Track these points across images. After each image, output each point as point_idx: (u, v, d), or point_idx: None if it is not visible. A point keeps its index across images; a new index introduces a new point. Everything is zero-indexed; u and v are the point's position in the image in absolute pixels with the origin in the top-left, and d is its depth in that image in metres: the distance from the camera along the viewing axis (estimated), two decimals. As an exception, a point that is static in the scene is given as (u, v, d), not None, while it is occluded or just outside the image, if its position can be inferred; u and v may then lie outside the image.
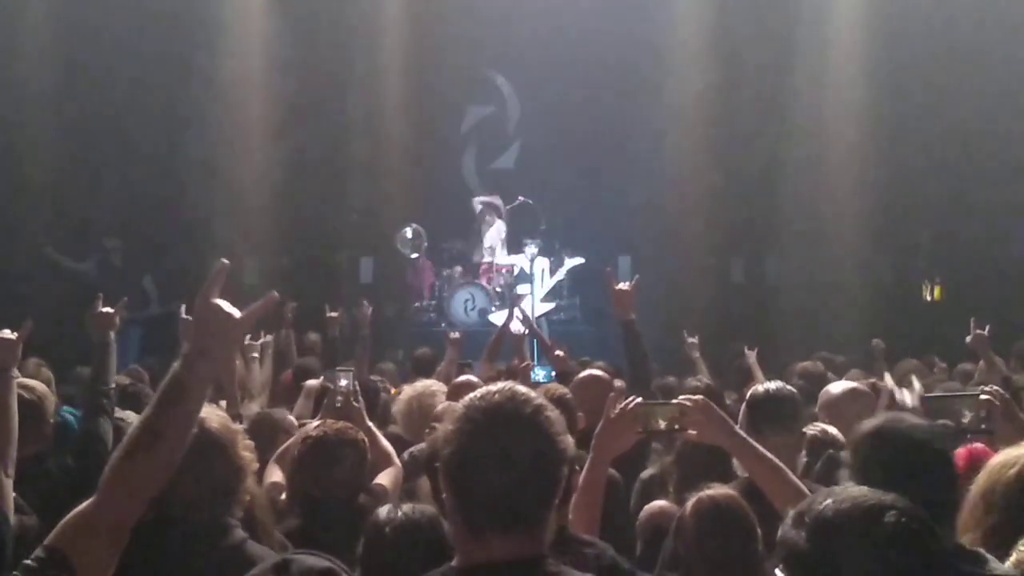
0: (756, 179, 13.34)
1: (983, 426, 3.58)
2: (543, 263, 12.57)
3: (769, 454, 3.00)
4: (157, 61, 12.45)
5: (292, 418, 4.74)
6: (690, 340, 7.88)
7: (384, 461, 3.97)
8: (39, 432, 3.90)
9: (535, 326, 9.22)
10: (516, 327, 8.21)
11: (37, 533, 3.32)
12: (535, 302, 11.93)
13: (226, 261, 2.10)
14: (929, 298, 13.57)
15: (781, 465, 2.97)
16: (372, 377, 6.42)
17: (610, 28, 13.25)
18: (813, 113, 12.93)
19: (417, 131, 13.41)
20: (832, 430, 3.79)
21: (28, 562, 1.88)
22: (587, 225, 13.33)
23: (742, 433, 3.09)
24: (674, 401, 3.12)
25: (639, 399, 3.18)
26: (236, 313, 2.02)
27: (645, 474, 4.25)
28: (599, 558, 2.79)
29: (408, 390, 5.20)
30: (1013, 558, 2.47)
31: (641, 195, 13.62)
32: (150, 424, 1.94)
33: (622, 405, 3.14)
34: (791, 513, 1.76)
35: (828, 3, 12.96)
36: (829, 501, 1.71)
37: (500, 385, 1.95)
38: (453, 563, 1.93)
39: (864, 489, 1.75)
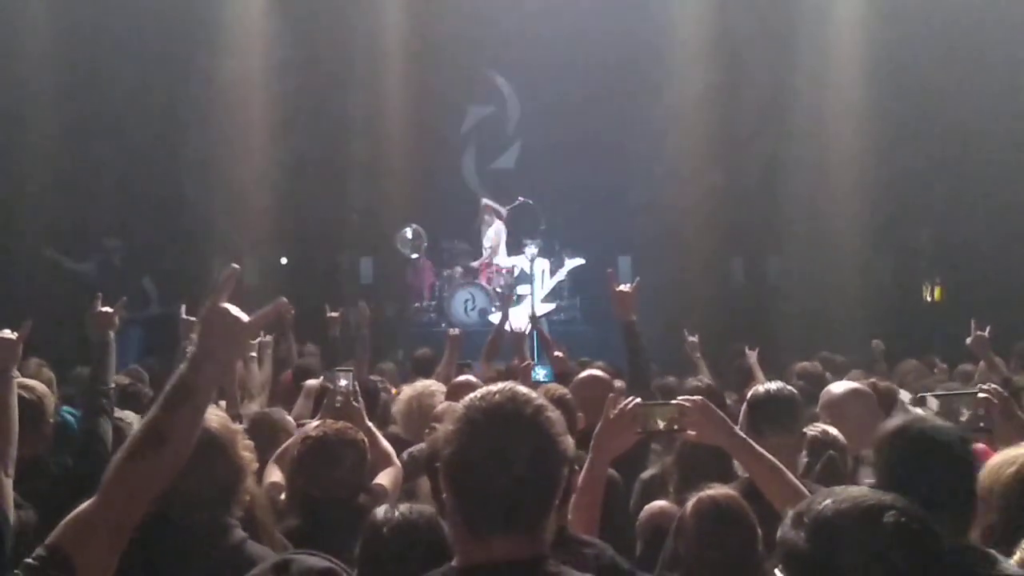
0: (757, 179, 13.35)
1: (981, 424, 3.59)
2: (543, 264, 12.57)
3: (768, 454, 2.99)
4: (157, 61, 12.46)
5: (290, 418, 4.74)
6: (690, 339, 7.87)
7: (384, 461, 3.97)
8: (39, 432, 3.90)
9: (539, 324, 9.22)
10: (519, 325, 8.21)
11: (35, 528, 3.32)
12: (535, 303, 11.93)
13: (236, 266, 2.11)
14: (929, 299, 13.58)
15: (780, 465, 2.97)
16: (372, 377, 6.42)
17: (611, 28, 13.25)
18: (813, 113, 12.93)
19: (417, 131, 13.42)
20: (832, 431, 3.78)
21: (29, 560, 1.88)
22: (587, 225, 13.33)
23: (741, 433, 3.08)
24: (673, 401, 3.12)
25: (638, 399, 3.18)
26: (244, 317, 2.02)
27: (645, 474, 4.25)
28: (598, 558, 2.79)
29: (408, 390, 5.20)
30: (1017, 556, 2.48)
31: (642, 195, 13.63)
32: (155, 425, 1.94)
33: (621, 406, 3.14)
34: (790, 513, 1.76)
35: (828, 4, 12.97)
36: (829, 501, 1.71)
37: (500, 385, 1.95)
38: (453, 563, 1.93)
39: (864, 489, 1.75)
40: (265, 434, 4.18)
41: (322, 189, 13.28)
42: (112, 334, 4.46)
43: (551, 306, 12.74)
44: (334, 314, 7.66)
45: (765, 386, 3.64)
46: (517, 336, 7.60)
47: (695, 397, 3.11)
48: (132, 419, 4.63)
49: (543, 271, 12.60)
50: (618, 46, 13.29)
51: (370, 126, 13.58)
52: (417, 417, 4.82)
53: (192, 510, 2.54)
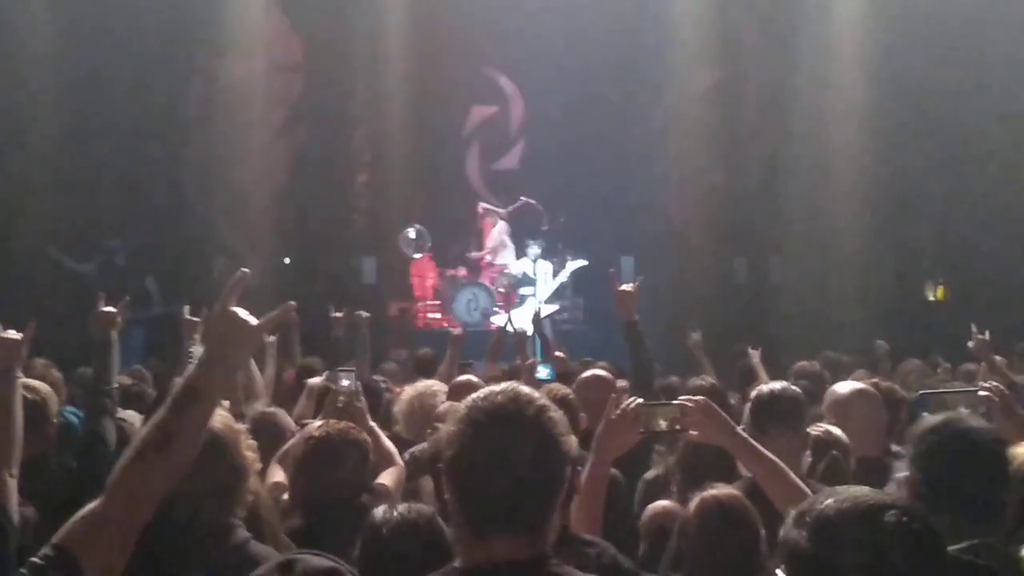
0: (758, 179, 13.35)
1: None
2: (546, 265, 12.58)
3: (770, 455, 2.99)
4: (159, 61, 12.47)
5: (290, 419, 4.73)
6: (693, 335, 7.87)
7: (386, 461, 3.97)
8: (42, 433, 3.91)
9: (541, 328, 9.23)
10: (523, 326, 8.21)
11: (36, 524, 3.33)
12: (538, 303, 11.94)
13: (246, 270, 2.12)
14: (932, 298, 13.57)
15: (783, 465, 2.97)
16: (375, 377, 6.42)
17: (612, 29, 13.26)
18: (814, 113, 12.93)
19: (420, 131, 13.43)
20: (836, 431, 3.78)
21: (35, 560, 1.88)
22: (590, 225, 13.33)
23: (743, 433, 3.08)
24: (675, 401, 3.12)
25: (640, 400, 3.18)
26: (253, 321, 2.04)
27: (649, 475, 4.25)
28: (600, 557, 2.79)
29: (409, 390, 5.19)
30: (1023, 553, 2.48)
31: (644, 195, 13.63)
32: (162, 427, 1.95)
33: (623, 406, 3.14)
34: (792, 513, 1.76)
35: (829, 4, 12.97)
36: (830, 501, 1.71)
37: (503, 386, 1.95)
38: (455, 564, 1.93)
39: (865, 489, 1.75)
40: (267, 434, 4.19)
41: (324, 189, 13.29)
42: (115, 334, 4.47)
43: (554, 307, 12.74)
44: (337, 314, 7.66)
45: (769, 386, 3.63)
46: (519, 336, 7.60)
47: (697, 397, 3.11)
48: (135, 419, 4.64)
49: (546, 272, 12.60)
50: (620, 46, 13.30)
51: (372, 126, 13.59)
52: (419, 417, 4.82)
53: (195, 510, 2.54)
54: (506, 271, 12.98)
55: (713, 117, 13.09)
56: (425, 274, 13.45)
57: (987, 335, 6.30)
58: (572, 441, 1.94)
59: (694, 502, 2.92)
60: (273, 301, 2.24)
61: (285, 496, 3.64)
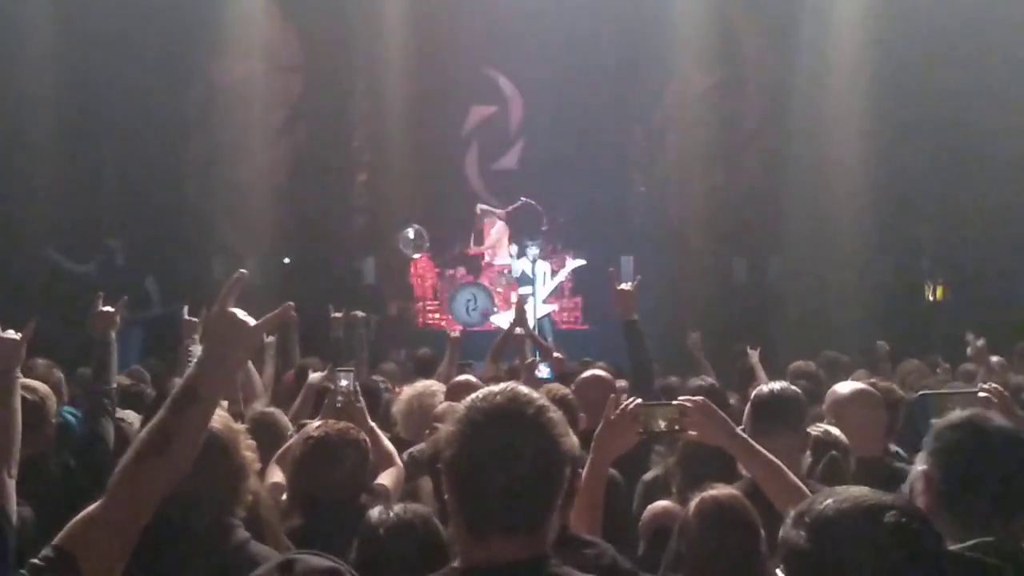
0: (758, 180, 13.35)
1: None
2: (545, 264, 12.58)
3: (769, 455, 2.99)
4: (160, 62, 12.48)
5: (286, 419, 4.72)
6: (693, 335, 7.86)
7: (386, 461, 3.97)
8: (41, 433, 3.91)
9: (532, 331, 9.22)
10: (519, 329, 8.20)
11: (33, 525, 3.32)
12: (537, 303, 11.94)
13: (244, 271, 2.13)
14: (932, 298, 13.57)
15: (782, 466, 2.97)
16: (374, 377, 6.43)
17: (612, 29, 13.26)
18: (814, 113, 12.94)
19: (419, 131, 13.43)
20: (835, 431, 3.77)
21: (35, 561, 1.89)
22: (589, 225, 13.34)
23: (742, 434, 3.08)
24: (674, 402, 3.12)
25: (639, 400, 3.18)
26: (251, 321, 2.04)
27: (648, 476, 4.24)
28: (599, 558, 2.79)
29: (408, 390, 5.18)
30: None
31: (643, 195, 13.64)
32: (162, 428, 1.95)
33: (622, 406, 3.14)
34: (792, 513, 1.76)
35: (829, 4, 12.97)
36: (830, 501, 1.71)
37: (502, 386, 1.95)
38: (455, 564, 1.93)
39: (865, 489, 1.75)
40: (266, 434, 4.18)
41: (324, 189, 13.29)
42: (113, 334, 4.47)
43: (553, 307, 12.74)
44: (337, 315, 7.66)
45: (769, 386, 3.62)
46: (519, 337, 7.60)
47: (696, 397, 3.11)
48: (134, 419, 4.63)
49: (545, 272, 12.61)
50: (619, 47, 13.31)
51: (372, 126, 13.59)
52: (417, 417, 4.82)
53: (194, 510, 2.54)
54: (506, 272, 12.98)
55: (713, 117, 13.10)
56: (424, 274, 13.45)
57: (982, 341, 6.30)
58: (571, 441, 1.94)
59: (694, 502, 2.91)
60: (273, 301, 2.24)
61: (284, 496, 3.64)
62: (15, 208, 11.88)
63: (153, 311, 11.63)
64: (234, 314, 2.04)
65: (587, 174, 13.66)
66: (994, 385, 3.86)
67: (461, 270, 13.23)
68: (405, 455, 4.26)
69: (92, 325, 4.51)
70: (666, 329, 9.60)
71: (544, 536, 1.90)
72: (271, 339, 6.98)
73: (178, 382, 2.06)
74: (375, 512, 2.76)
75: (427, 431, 4.18)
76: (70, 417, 4.54)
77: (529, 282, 12.32)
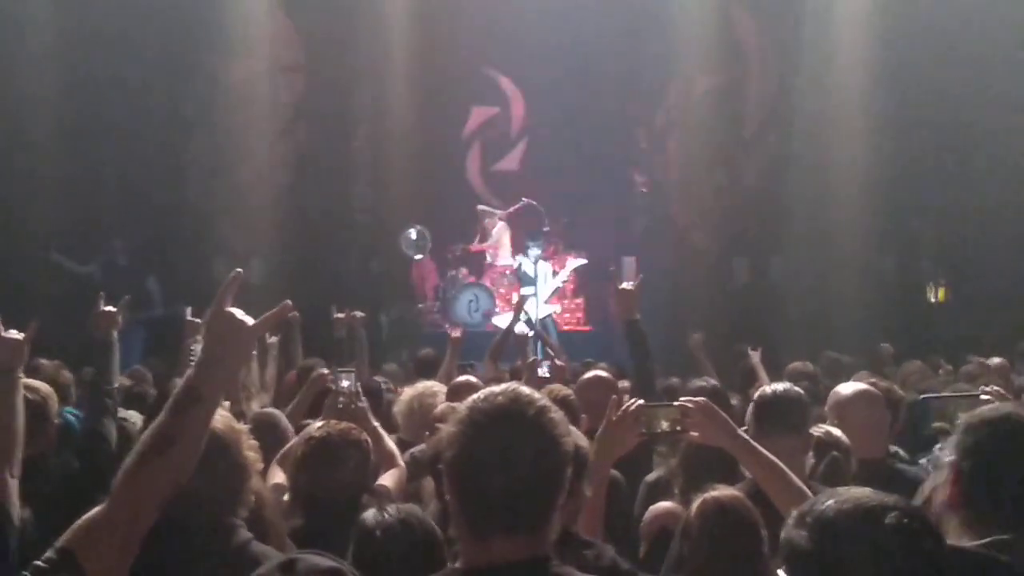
0: (760, 180, 13.35)
1: None
2: (546, 265, 12.58)
3: (771, 456, 2.99)
4: (161, 62, 12.49)
5: (286, 420, 4.72)
6: (695, 336, 7.86)
7: (388, 462, 3.97)
8: (43, 433, 3.90)
9: (540, 329, 9.23)
10: (521, 329, 8.20)
11: (33, 526, 3.32)
12: (539, 304, 11.94)
13: (240, 270, 2.12)
14: (933, 299, 13.56)
15: (783, 467, 2.96)
16: (376, 378, 6.42)
17: (614, 30, 13.26)
18: (816, 114, 12.94)
19: (421, 132, 13.43)
20: (836, 431, 3.77)
21: (39, 563, 1.89)
22: (591, 226, 13.33)
23: (744, 435, 3.08)
24: (676, 403, 3.12)
25: (640, 401, 3.17)
26: (249, 321, 2.04)
27: (650, 477, 4.23)
28: (599, 559, 2.79)
29: (409, 391, 5.18)
30: None
31: (645, 196, 13.63)
32: (164, 430, 1.95)
33: (623, 407, 3.14)
34: (794, 513, 1.76)
35: (831, 5, 12.97)
36: (831, 502, 1.71)
37: (503, 386, 1.96)
38: (456, 564, 1.93)
39: (866, 490, 1.75)
40: (268, 434, 4.18)
41: (325, 190, 13.30)
42: (115, 334, 4.47)
43: (555, 307, 12.74)
44: (340, 315, 7.66)
45: (772, 387, 3.61)
46: (521, 338, 7.60)
47: (698, 398, 3.10)
48: (137, 419, 4.64)
49: (546, 273, 12.61)
50: (621, 47, 13.31)
51: (374, 127, 13.60)
52: (418, 418, 4.82)
53: (196, 510, 2.53)
54: (508, 272, 12.98)
55: (714, 118, 13.10)
56: (426, 275, 13.45)
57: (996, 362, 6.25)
58: (572, 442, 1.94)
59: (695, 504, 2.91)
60: (274, 302, 2.24)
61: (285, 497, 3.64)
62: (16, 208, 11.89)
63: (155, 311, 11.64)
64: (232, 313, 2.03)
65: (588, 175, 13.66)
66: (997, 388, 3.85)
67: (463, 271, 13.23)
68: (407, 455, 4.27)
69: (94, 325, 4.51)
70: (667, 330, 9.60)
71: (545, 536, 1.90)
72: (273, 339, 6.98)
73: (179, 383, 2.06)
74: (370, 515, 2.76)
75: (427, 432, 4.18)
76: (71, 417, 4.54)
77: (531, 282, 12.31)
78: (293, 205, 13.02)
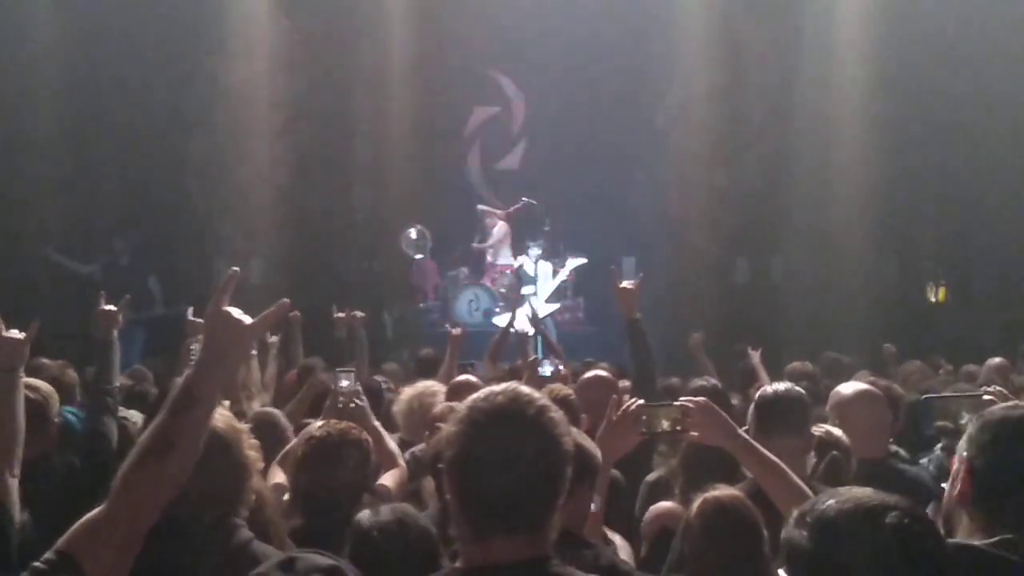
0: (760, 180, 13.35)
1: None
2: (547, 264, 12.58)
3: (771, 456, 2.99)
4: (161, 62, 12.49)
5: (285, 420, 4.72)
6: (695, 335, 7.86)
7: (389, 462, 3.97)
8: (44, 432, 3.90)
9: (542, 327, 9.22)
10: (523, 327, 8.20)
11: (34, 527, 3.32)
12: (539, 303, 11.94)
13: (236, 269, 2.12)
14: (933, 299, 13.56)
15: (784, 467, 2.96)
16: (376, 378, 6.42)
17: (615, 30, 13.26)
18: (817, 114, 12.93)
19: (422, 132, 13.43)
20: (836, 431, 3.77)
21: (38, 564, 1.88)
22: (591, 226, 13.33)
23: (744, 435, 3.08)
24: (676, 403, 3.11)
25: (640, 401, 3.17)
26: (247, 320, 2.03)
27: (651, 477, 4.23)
28: (597, 559, 2.79)
29: (408, 390, 5.18)
30: None
31: (645, 196, 13.64)
32: (162, 431, 1.95)
33: (624, 407, 3.14)
34: (794, 513, 1.76)
35: (832, 5, 12.97)
36: (832, 501, 1.71)
37: (503, 386, 1.95)
38: (457, 564, 1.93)
39: (867, 490, 1.75)
40: (268, 435, 4.18)
41: (327, 190, 13.29)
42: (116, 333, 4.47)
43: (555, 306, 12.74)
44: (340, 314, 7.66)
45: (773, 387, 3.60)
46: (521, 337, 7.60)
47: (698, 398, 3.10)
48: (138, 419, 4.63)
49: (546, 272, 12.60)
50: (622, 47, 13.30)
51: (374, 126, 13.60)
52: (417, 418, 4.82)
53: (197, 509, 2.54)
54: (508, 272, 12.98)
55: (715, 118, 13.09)
56: (427, 274, 13.45)
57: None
58: (572, 441, 1.94)
59: (696, 503, 2.91)
60: (274, 302, 2.23)
61: (286, 497, 3.64)
62: (16, 208, 11.89)
63: (155, 311, 11.64)
64: (229, 312, 2.03)
65: (589, 174, 13.65)
66: (999, 388, 3.84)
67: (464, 270, 13.23)
68: (407, 454, 4.26)
69: (95, 324, 4.51)
70: (667, 329, 9.60)
71: (545, 536, 1.90)
72: (274, 339, 6.98)
73: (178, 383, 2.05)
74: (365, 516, 2.76)
75: (426, 432, 4.18)
76: (71, 417, 4.54)
77: (531, 282, 12.31)
78: (293, 205, 13.02)
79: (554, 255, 12.75)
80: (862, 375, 6.64)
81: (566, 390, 4.48)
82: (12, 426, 3.30)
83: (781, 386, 3.60)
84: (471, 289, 12.83)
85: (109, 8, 12.19)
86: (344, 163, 13.66)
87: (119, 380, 4.59)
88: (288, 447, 4.01)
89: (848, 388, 4.22)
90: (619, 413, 3.12)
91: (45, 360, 5.42)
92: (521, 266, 12.63)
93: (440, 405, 4.49)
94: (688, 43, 13.11)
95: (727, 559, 2.80)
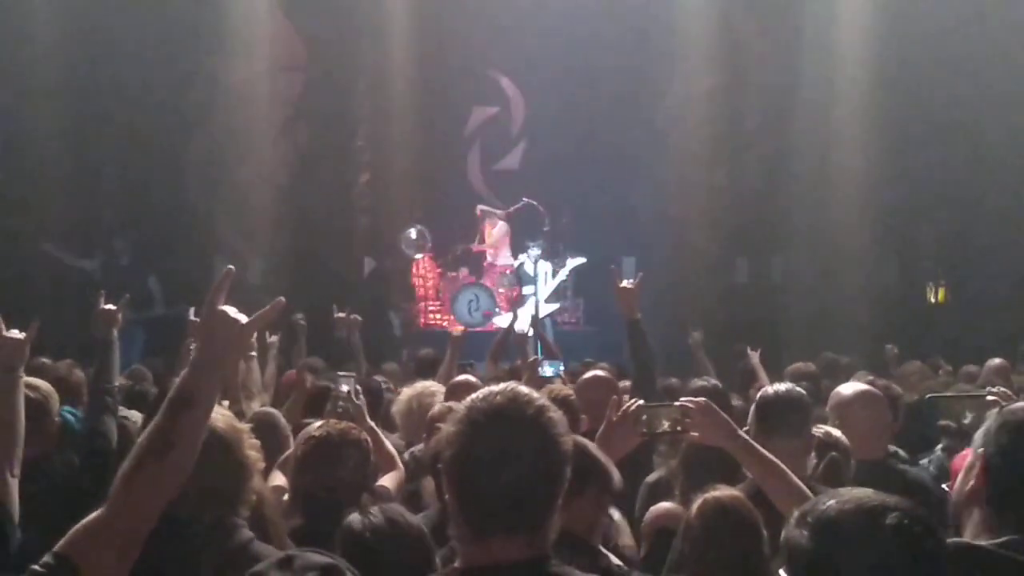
0: (760, 180, 13.34)
1: None
2: (546, 264, 12.57)
3: (771, 456, 2.99)
4: (163, 62, 12.49)
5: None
6: (695, 335, 7.85)
7: (387, 464, 3.97)
8: (44, 431, 3.91)
9: (540, 329, 9.22)
10: (522, 327, 8.20)
11: (34, 526, 3.32)
12: (539, 303, 11.94)
13: (232, 267, 2.11)
14: (933, 300, 13.56)
15: (783, 467, 2.96)
16: (376, 378, 6.42)
17: (614, 30, 13.25)
18: (817, 114, 12.93)
19: (422, 132, 13.43)
20: (836, 432, 3.76)
21: (36, 568, 1.88)
22: (591, 226, 13.32)
23: (744, 435, 3.08)
24: (676, 403, 3.11)
25: (640, 401, 3.17)
26: (243, 318, 2.03)
27: (651, 478, 4.23)
28: (596, 559, 2.79)
29: (407, 391, 5.18)
30: None
31: (645, 195, 13.62)
32: (160, 433, 1.94)
33: (624, 407, 3.14)
34: (795, 513, 1.76)
35: (832, 5, 12.96)
36: (832, 501, 1.71)
37: (502, 386, 1.95)
38: (456, 564, 1.93)
39: (868, 490, 1.75)
40: (268, 435, 4.18)
41: (326, 189, 13.30)
42: (115, 332, 4.47)
43: (555, 307, 12.74)
44: (341, 315, 7.66)
45: (774, 387, 3.60)
46: (521, 337, 7.60)
47: (698, 399, 3.10)
48: (137, 418, 4.63)
49: (546, 272, 12.60)
50: (622, 47, 13.29)
51: (374, 126, 13.59)
52: (416, 418, 4.81)
53: (197, 509, 2.54)
54: (508, 272, 12.98)
55: (715, 118, 13.09)
56: (426, 275, 13.45)
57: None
58: (571, 441, 1.94)
59: (696, 504, 2.91)
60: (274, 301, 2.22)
61: (285, 497, 3.64)
62: (17, 208, 11.89)
63: (155, 311, 11.64)
64: (225, 312, 2.02)
65: (589, 175, 13.64)
66: (1002, 388, 3.84)
67: (463, 271, 13.23)
68: (406, 455, 4.26)
69: (95, 324, 4.51)
70: (667, 329, 9.59)
71: (545, 536, 1.90)
72: (274, 338, 6.98)
73: (175, 383, 2.05)
74: (356, 519, 2.75)
75: (424, 432, 4.17)
76: (69, 416, 4.54)
77: (531, 282, 12.31)
78: (293, 205, 13.02)
79: (554, 255, 12.74)
80: (861, 375, 6.64)
81: (566, 390, 4.48)
82: (13, 426, 3.29)
83: (782, 387, 3.60)
84: (470, 289, 12.83)
85: (109, 8, 12.19)
86: (343, 163, 13.65)
87: (119, 380, 4.59)
88: (287, 452, 4.00)
89: (848, 389, 4.22)
90: (619, 414, 3.12)
91: (46, 360, 5.42)
92: (521, 265, 12.62)
93: (438, 406, 4.49)
94: (688, 43, 13.11)
95: (727, 559, 2.80)
